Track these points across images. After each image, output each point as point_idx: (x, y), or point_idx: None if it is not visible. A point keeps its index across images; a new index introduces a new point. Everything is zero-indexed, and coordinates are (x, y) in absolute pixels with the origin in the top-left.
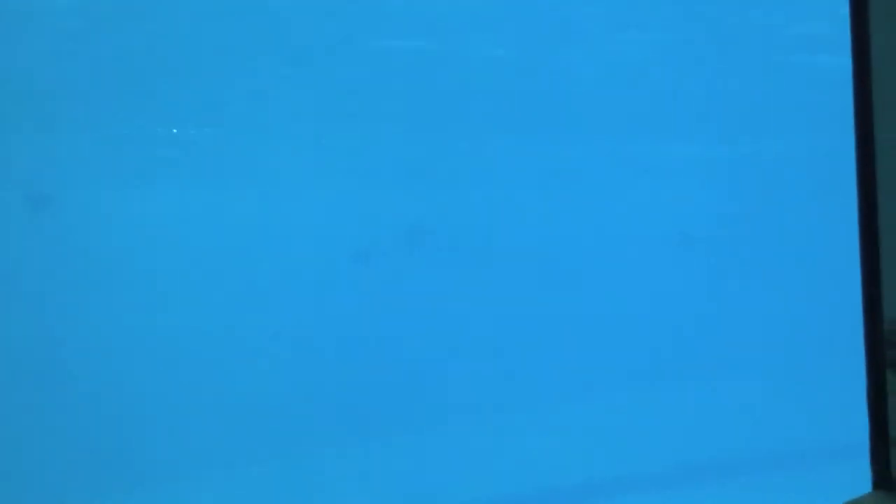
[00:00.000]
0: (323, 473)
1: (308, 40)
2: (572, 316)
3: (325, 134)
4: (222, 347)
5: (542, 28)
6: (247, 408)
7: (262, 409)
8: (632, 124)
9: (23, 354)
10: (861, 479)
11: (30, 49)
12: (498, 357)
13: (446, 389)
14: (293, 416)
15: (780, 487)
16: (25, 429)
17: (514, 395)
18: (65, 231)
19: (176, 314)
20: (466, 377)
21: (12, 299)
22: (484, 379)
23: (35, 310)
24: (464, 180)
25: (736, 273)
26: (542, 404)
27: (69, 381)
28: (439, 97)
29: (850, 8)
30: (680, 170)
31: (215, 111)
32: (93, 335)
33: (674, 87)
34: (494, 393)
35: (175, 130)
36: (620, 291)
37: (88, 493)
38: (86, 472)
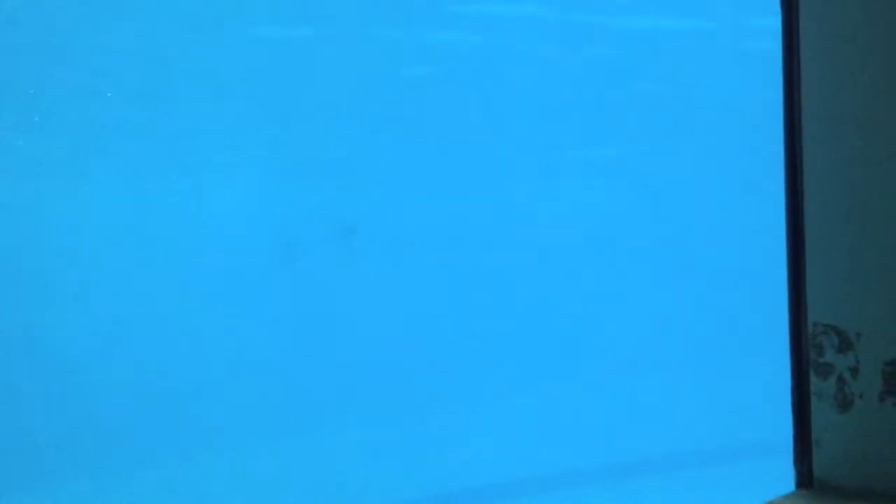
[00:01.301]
0: (243, 471)
1: (237, 36)
2: (496, 315)
3: (253, 130)
4: (145, 344)
5: (469, 31)
6: (171, 403)
7: (187, 405)
8: (558, 128)
9: None
10: (784, 478)
11: None
12: (425, 354)
13: (371, 386)
14: (214, 413)
15: (704, 486)
16: None
17: (439, 393)
18: None
19: (99, 310)
20: (391, 374)
21: None
22: (409, 376)
23: None
24: (392, 177)
25: (663, 274)
26: (470, 402)
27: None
28: (365, 95)
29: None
30: (605, 171)
31: (141, 103)
32: (9, 330)
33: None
34: (419, 390)
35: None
36: (544, 290)
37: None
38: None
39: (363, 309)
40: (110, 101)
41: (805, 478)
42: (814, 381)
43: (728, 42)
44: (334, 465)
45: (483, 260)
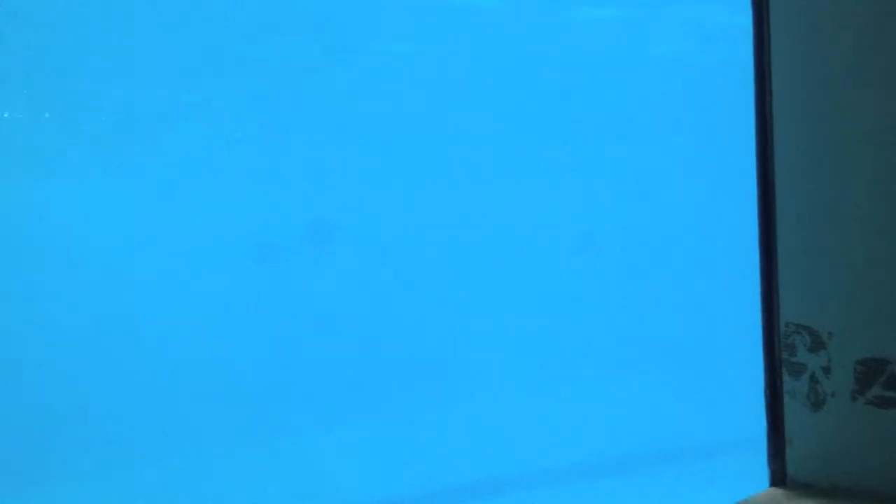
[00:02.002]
0: (228, 472)
1: (210, 39)
2: (466, 315)
3: (227, 131)
4: (120, 347)
5: (447, 30)
6: (142, 406)
7: (160, 408)
8: (524, 127)
9: None
10: (758, 476)
11: None
12: (409, 354)
13: (346, 386)
14: (194, 413)
15: (680, 484)
16: None
17: (414, 393)
18: None
19: (76, 313)
20: (366, 374)
21: None
22: (393, 375)
23: None
24: (366, 178)
25: (635, 274)
26: (442, 403)
27: None
28: (337, 96)
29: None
30: (578, 172)
31: (116, 104)
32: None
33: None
34: (397, 390)
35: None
36: (518, 291)
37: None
38: None
39: (344, 309)
40: (84, 101)
41: (778, 476)
42: (787, 380)
43: (700, 42)
44: (320, 465)
45: (465, 259)
